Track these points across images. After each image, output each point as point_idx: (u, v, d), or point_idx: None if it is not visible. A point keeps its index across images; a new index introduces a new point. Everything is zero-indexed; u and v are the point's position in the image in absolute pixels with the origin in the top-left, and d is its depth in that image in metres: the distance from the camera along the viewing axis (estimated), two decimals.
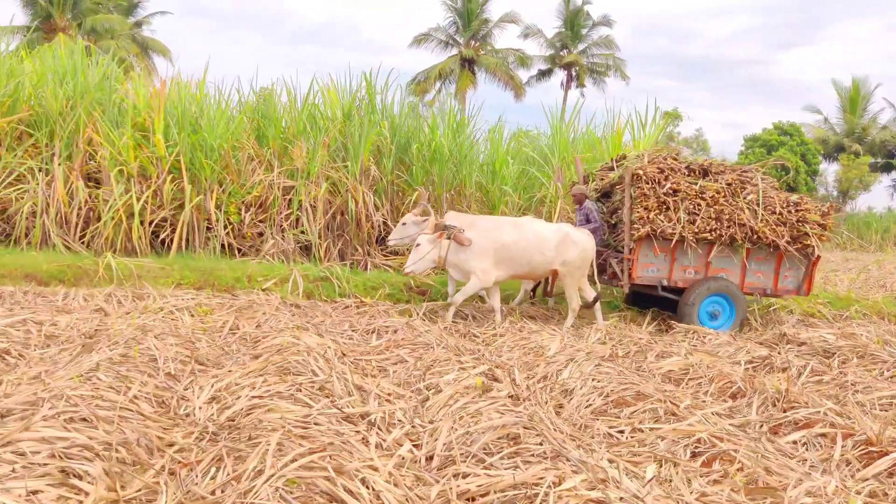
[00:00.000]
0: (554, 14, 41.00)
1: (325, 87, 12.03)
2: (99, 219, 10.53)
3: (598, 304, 8.86)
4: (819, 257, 9.20)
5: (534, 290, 10.01)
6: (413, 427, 4.44)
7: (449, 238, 8.18)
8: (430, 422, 4.61)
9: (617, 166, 9.60)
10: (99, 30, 33.33)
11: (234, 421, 4.48)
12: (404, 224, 8.84)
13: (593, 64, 40.75)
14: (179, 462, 3.83)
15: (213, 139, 10.52)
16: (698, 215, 8.68)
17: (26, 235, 10.30)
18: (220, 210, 10.76)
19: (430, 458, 4.02)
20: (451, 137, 11.68)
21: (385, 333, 7.39)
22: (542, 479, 3.47)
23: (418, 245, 8.21)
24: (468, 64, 40.00)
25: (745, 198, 8.87)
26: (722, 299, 8.96)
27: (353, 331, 7.59)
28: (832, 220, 9.18)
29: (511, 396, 5.19)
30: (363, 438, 4.15)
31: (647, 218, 8.62)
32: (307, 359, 5.63)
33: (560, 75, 41.41)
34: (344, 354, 6.21)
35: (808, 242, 8.92)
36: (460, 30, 40.06)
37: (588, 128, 12.68)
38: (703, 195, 8.74)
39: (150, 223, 10.43)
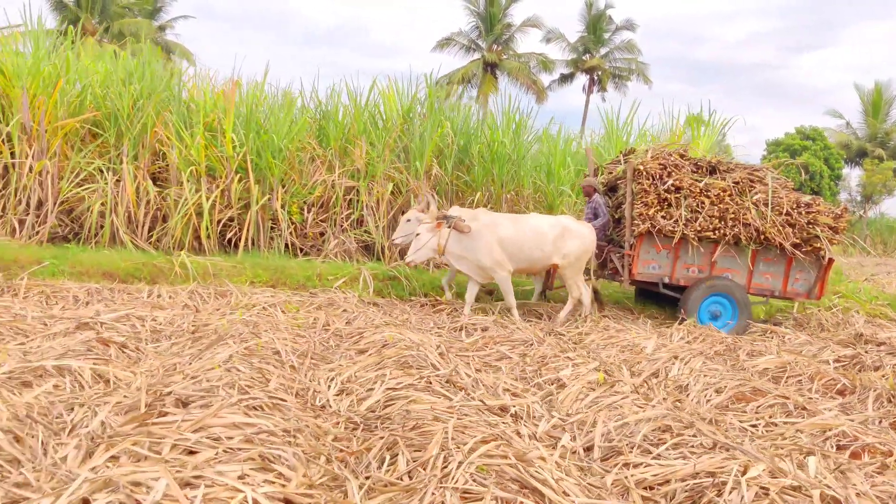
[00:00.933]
0: (576, 18, 41.13)
1: (383, 89, 12.10)
2: (165, 218, 10.62)
3: (596, 301, 8.97)
4: (832, 260, 8.96)
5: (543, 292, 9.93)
6: (558, 419, 4.48)
7: (449, 227, 8.18)
8: (567, 414, 4.65)
9: (625, 161, 9.42)
10: (125, 33, 33.53)
11: (374, 412, 4.53)
12: (408, 221, 8.78)
13: (616, 68, 40.78)
14: (342, 450, 3.88)
15: (279, 140, 10.59)
16: (700, 213, 8.51)
17: (94, 234, 10.38)
18: (284, 210, 10.83)
19: (587, 449, 4.07)
20: (511, 138, 11.74)
21: (474, 331, 7.44)
22: (721, 468, 3.51)
23: (418, 235, 8.27)
24: (490, 68, 40.09)
25: (752, 197, 8.69)
26: (724, 300, 8.79)
27: (439, 328, 7.64)
28: (844, 224, 8.95)
29: (634, 391, 5.23)
30: (515, 430, 4.20)
31: (647, 214, 8.49)
32: (420, 353, 5.68)
33: (582, 79, 41.46)
34: (447, 350, 6.25)
35: (819, 245, 8.71)
36: (483, 34, 40.13)
37: (643, 129, 12.70)
38: (708, 193, 8.57)
39: (218, 222, 10.51)
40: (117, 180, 10.42)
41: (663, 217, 8.51)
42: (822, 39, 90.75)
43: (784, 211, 8.67)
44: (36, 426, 3.57)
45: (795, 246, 8.71)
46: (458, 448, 3.56)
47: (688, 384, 5.63)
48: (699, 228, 8.50)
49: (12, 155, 10.37)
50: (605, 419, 4.32)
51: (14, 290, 7.95)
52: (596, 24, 40.29)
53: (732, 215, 8.56)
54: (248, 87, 10.98)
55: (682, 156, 9.01)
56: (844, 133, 40.84)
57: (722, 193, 8.59)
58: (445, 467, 3.40)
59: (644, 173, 8.59)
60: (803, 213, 8.75)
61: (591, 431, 4.22)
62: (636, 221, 8.58)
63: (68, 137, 10.60)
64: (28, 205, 10.29)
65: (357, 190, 11.31)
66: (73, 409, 3.99)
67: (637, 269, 8.70)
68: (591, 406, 4.78)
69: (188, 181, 10.27)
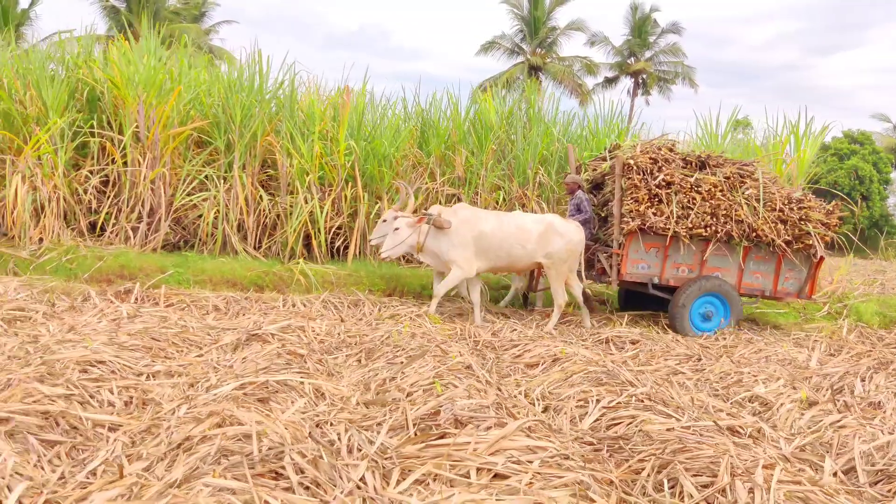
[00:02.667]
0: (620, 22, 40.90)
1: (481, 96, 12.08)
2: (275, 226, 10.67)
3: (586, 305, 8.50)
4: (822, 259, 8.69)
5: (525, 297, 9.71)
6: (800, 441, 4.41)
7: (428, 223, 7.95)
8: (795, 434, 4.58)
9: (610, 157, 9.10)
10: (176, 38, 33.84)
11: (599, 431, 4.49)
12: (384, 221, 8.44)
13: (661, 72, 40.53)
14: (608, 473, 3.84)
15: (387, 148, 10.61)
16: (692, 210, 8.22)
17: (204, 243, 10.44)
18: None
19: (845, 472, 4.00)
20: (602, 141, 11.66)
21: (622, 344, 7.38)
22: None
23: (396, 229, 8.00)
24: (534, 71, 39.99)
25: (743, 193, 8.43)
26: (715, 299, 8.52)
27: (582, 340, 7.58)
28: (836, 220, 8.69)
29: (843, 410, 5.16)
30: (763, 451, 4.14)
31: (638, 211, 8.18)
32: (609, 369, 5.64)
33: (626, 82, 41.23)
34: (619, 366, 6.20)
35: (810, 242, 8.45)
36: (527, 37, 40.05)
37: (748, 135, 12.58)
38: (699, 188, 8.30)
39: (328, 230, 10.54)
40: (228, 188, 10.47)
41: (654, 214, 8.18)
42: (849, 40, 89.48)
43: (776, 207, 8.43)
44: (317, 447, 3.56)
45: (787, 243, 8.44)
46: (747, 473, 3.50)
47: (879, 401, 5.54)
48: (691, 226, 8.21)
49: (124, 163, 10.45)
50: (847, 441, 4.24)
51: (154, 299, 8.02)
52: (641, 28, 40.05)
53: (724, 211, 8.30)
54: (362, 95, 10.98)
55: (671, 150, 8.75)
56: (892, 137, 40.32)
57: (713, 189, 8.33)
58: (741, 490, 3.35)
59: (634, 168, 8.31)
60: (795, 209, 8.51)
61: (840, 454, 4.15)
62: (626, 218, 8.28)
63: (177, 146, 10.66)
64: (140, 213, 10.37)
65: (458, 198, 11.28)
66: (319, 425, 4.00)
67: (626, 268, 8.38)
68: (813, 426, 4.71)
69: (300, 190, 10.30)
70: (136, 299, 7.90)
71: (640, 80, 40.50)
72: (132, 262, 9.27)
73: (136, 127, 10.33)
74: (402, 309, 8.11)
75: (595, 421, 4.64)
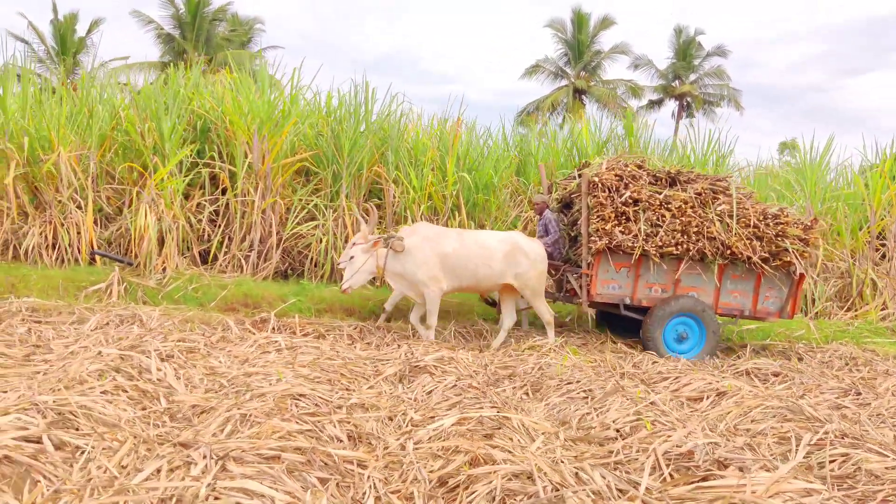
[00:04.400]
0: (665, 45, 40.97)
1: (576, 124, 12.19)
2: None
3: (510, 325, 8.38)
4: (803, 276, 8.40)
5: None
6: None
7: (386, 246, 7.74)
8: None
9: (579, 175, 8.82)
10: (229, 64, 34.43)
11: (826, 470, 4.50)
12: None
13: (706, 94, 40.50)
14: None
15: (492, 177, 10.73)
16: (661, 227, 8.05)
17: (312, 271, 10.59)
18: None
19: None
20: (713, 170, 11.71)
21: (765, 376, 7.36)
22: None
23: (352, 258, 7.74)
24: (578, 94, 40.17)
25: (716, 209, 8.22)
26: (690, 320, 8.26)
27: (721, 372, 7.57)
28: (815, 236, 8.50)
29: None
30: None
31: (605, 230, 8.02)
32: (781, 404, 5.64)
33: (671, 105, 41.26)
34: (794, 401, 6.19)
35: (788, 259, 8.22)
36: (570, 61, 40.27)
37: (846, 162, 12.55)
38: (669, 205, 8.11)
39: None
40: (336, 217, 10.63)
41: (622, 232, 8.03)
42: (873, 62, 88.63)
43: (751, 223, 8.20)
44: (583, 488, 3.62)
45: (764, 261, 8.23)
46: None
47: None
48: (660, 244, 8.03)
49: (234, 194, 10.65)
50: None
51: (290, 328, 8.14)
52: (685, 51, 40.11)
53: (696, 228, 8.10)
54: (472, 126, 11.16)
55: (639, 167, 8.57)
56: None
57: (683, 205, 8.14)
58: None
59: (600, 185, 8.14)
60: (771, 224, 8.28)
61: None
62: (593, 237, 8.12)
63: (287, 176, 10.86)
64: (252, 242, 10.55)
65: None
66: (556, 462, 4.05)
67: (596, 289, 8.19)
68: None
69: (409, 219, 10.43)
70: (273, 328, 8.03)
71: (685, 103, 40.49)
72: (253, 291, 9.43)
73: (248, 157, 10.54)
74: (540, 340, 8.13)
75: (804, 458, 4.64)
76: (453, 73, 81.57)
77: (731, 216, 8.16)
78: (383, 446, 4.36)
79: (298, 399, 5.02)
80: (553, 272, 8.90)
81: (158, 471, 3.46)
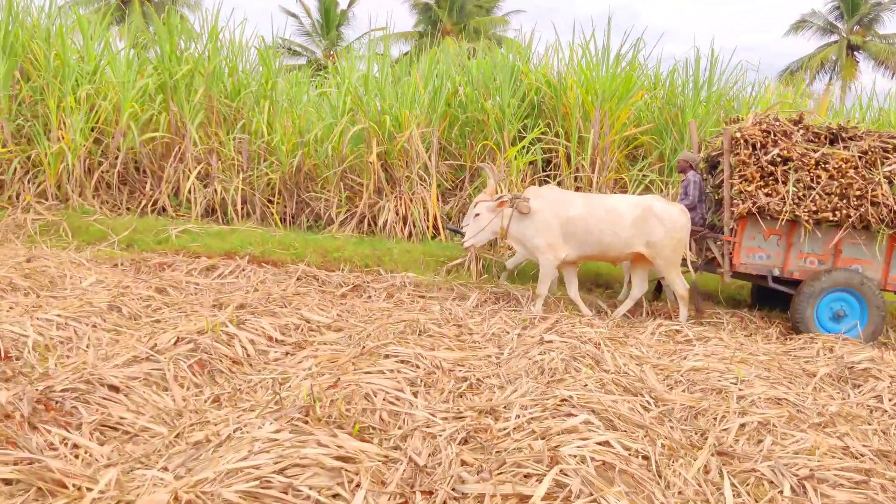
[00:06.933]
0: None
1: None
2: None
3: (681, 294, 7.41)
4: None
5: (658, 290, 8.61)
6: None
7: (511, 207, 7.22)
8: None
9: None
10: (481, 31, 34.82)
11: None
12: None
13: None
14: None
15: None
16: (815, 190, 7.03)
17: None
18: None
19: None
20: None
21: None
22: None
23: (477, 215, 7.43)
24: (850, 52, 36.40)
25: (885, 169, 7.11)
26: (850, 296, 7.19)
27: None
28: None
29: None
30: None
31: (748, 192, 7.12)
32: None
33: None
34: None
35: None
36: (844, 15, 36.50)
37: None
38: (826, 165, 7.07)
39: None
40: (674, 194, 10.16)
41: (767, 195, 7.11)
42: None
43: None
44: None
45: None
46: None
47: None
48: (814, 208, 7.05)
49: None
50: None
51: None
52: None
53: (857, 192, 7.04)
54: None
55: (796, 122, 7.47)
56: None
57: (844, 165, 7.09)
58: None
59: (743, 142, 7.20)
60: None
61: None
62: (735, 200, 7.23)
63: (624, 151, 10.55)
64: None
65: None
66: None
67: (739, 258, 7.32)
68: None
69: None
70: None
71: None
72: (603, 269, 9.30)
73: (581, 132, 10.33)
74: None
75: None
76: (673, 28, 77.23)
77: None
78: None
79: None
80: (692, 239, 8.03)
81: None
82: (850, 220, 7.15)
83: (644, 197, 7.68)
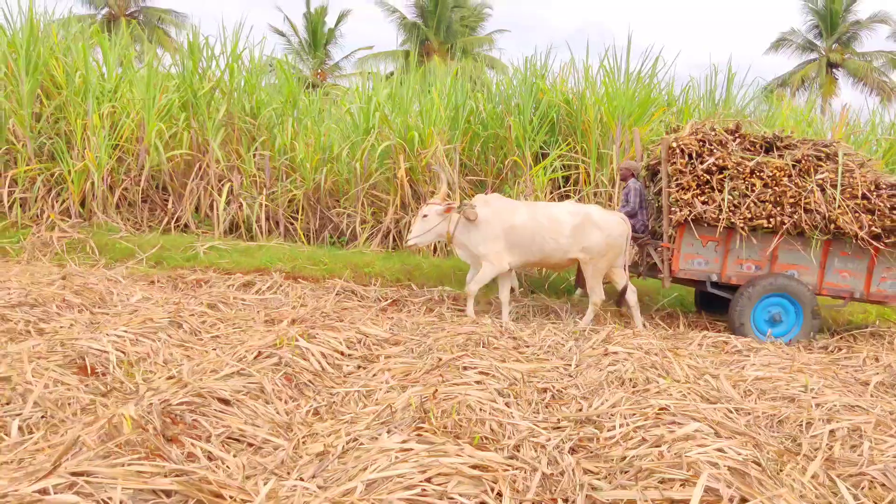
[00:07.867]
0: None
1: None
2: None
3: (635, 302, 7.67)
4: None
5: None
6: None
7: (458, 213, 7.39)
8: None
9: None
10: (466, 50, 35.11)
11: None
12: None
13: None
14: None
15: None
16: (750, 197, 7.20)
17: None
18: None
19: None
20: None
21: None
22: None
23: (425, 216, 7.53)
24: (829, 69, 37.22)
25: (817, 178, 7.27)
26: (785, 301, 7.39)
27: None
28: None
29: None
30: None
31: (685, 200, 7.28)
32: None
33: None
34: None
35: None
36: (822, 33, 37.35)
37: None
38: (761, 174, 7.24)
39: None
40: None
41: (704, 202, 7.29)
42: None
43: (859, 194, 7.21)
44: None
45: (875, 237, 7.24)
46: None
47: None
48: (749, 216, 7.22)
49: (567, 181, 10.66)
50: None
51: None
52: None
53: (791, 199, 7.23)
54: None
55: (731, 131, 7.64)
56: None
57: (778, 174, 7.26)
58: None
59: (679, 151, 7.38)
60: (885, 196, 7.22)
61: None
62: (673, 208, 7.39)
63: None
64: None
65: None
66: None
67: (678, 264, 7.48)
68: None
69: None
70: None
71: None
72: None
73: (600, 149, 10.49)
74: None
75: None
76: (645, 46, 78.13)
77: (833, 186, 7.29)
78: None
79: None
80: (634, 245, 8.30)
81: None
82: (785, 226, 7.32)
83: (585, 205, 7.95)
